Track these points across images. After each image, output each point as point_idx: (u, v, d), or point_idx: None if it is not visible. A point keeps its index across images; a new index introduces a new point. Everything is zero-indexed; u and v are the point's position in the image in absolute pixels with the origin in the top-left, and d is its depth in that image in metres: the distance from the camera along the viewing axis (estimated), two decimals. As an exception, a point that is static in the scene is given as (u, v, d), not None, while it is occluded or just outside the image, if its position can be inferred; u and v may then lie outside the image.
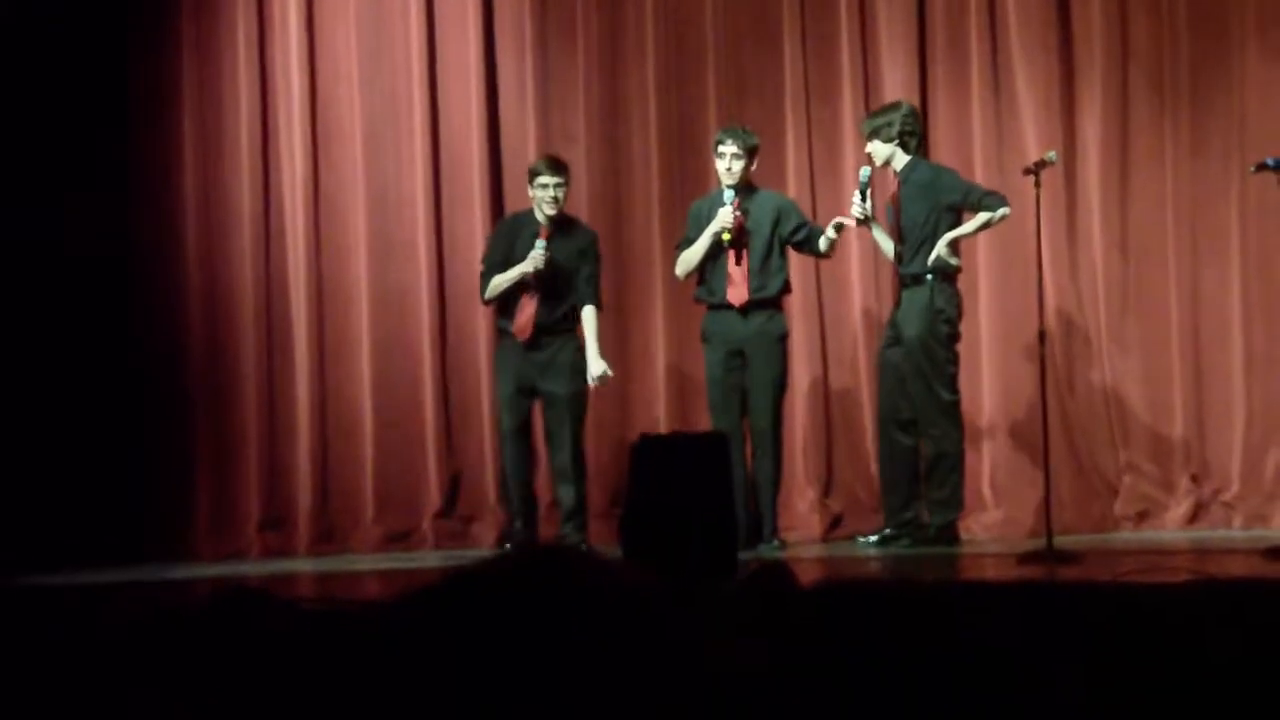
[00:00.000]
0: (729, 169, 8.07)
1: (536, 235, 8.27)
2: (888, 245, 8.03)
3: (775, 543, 8.04)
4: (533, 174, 8.37)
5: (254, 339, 9.36)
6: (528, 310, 8.29)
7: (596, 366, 8.24)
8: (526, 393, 8.35)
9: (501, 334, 8.49)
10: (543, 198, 8.27)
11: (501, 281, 8.32)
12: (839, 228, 8.00)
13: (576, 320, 8.36)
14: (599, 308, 8.38)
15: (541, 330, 8.28)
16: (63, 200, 9.24)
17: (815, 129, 9.12)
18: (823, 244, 8.06)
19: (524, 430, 8.45)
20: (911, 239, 7.86)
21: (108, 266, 9.32)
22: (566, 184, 8.33)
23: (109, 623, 4.99)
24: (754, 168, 8.17)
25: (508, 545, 8.52)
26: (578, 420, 8.32)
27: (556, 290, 8.28)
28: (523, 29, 9.32)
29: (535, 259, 8.21)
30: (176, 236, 9.42)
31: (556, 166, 8.33)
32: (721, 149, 8.09)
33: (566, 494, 8.32)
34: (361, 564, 8.50)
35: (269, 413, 9.37)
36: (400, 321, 9.34)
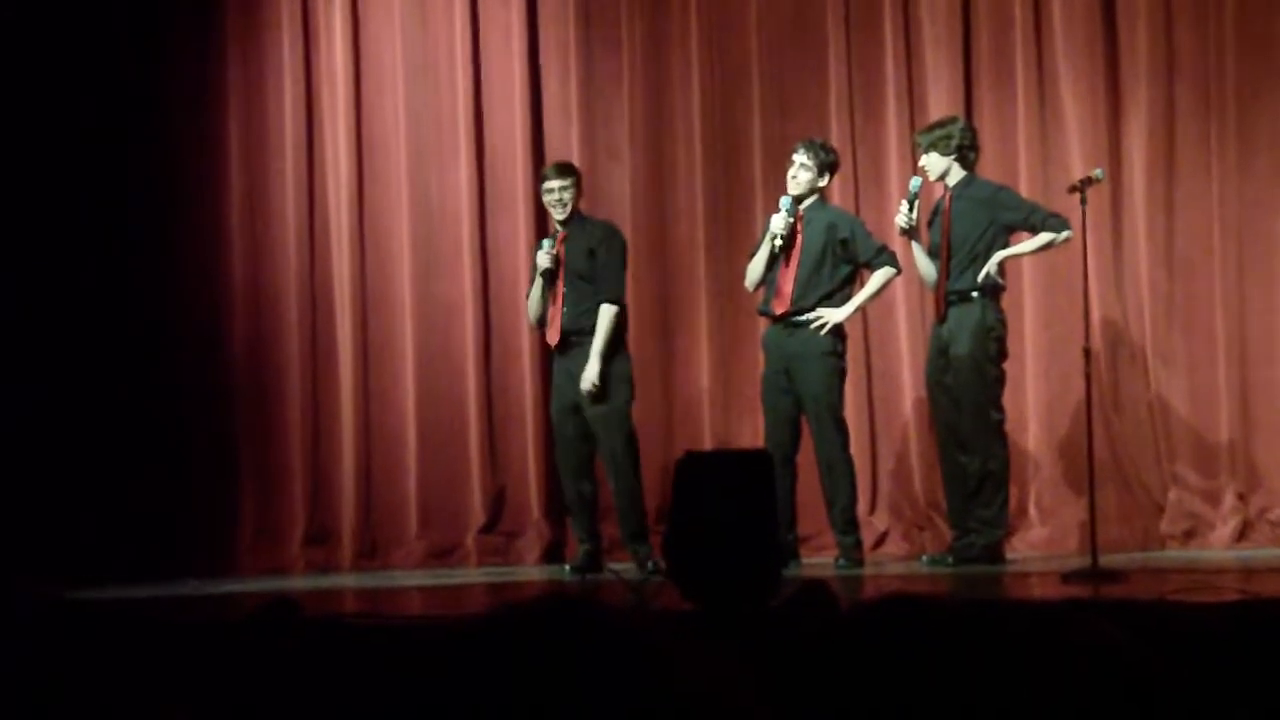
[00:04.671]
0: (794, 177, 8.07)
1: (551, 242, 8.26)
2: (924, 261, 7.99)
3: (841, 562, 8.00)
4: (541, 180, 8.38)
5: (298, 352, 9.40)
6: (555, 315, 8.25)
7: (590, 370, 8.09)
8: (570, 410, 8.26)
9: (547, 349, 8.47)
10: (549, 202, 8.27)
11: (532, 298, 8.34)
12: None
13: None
14: (616, 304, 8.16)
15: (568, 333, 8.21)
16: (105, 209, 9.31)
17: (859, 143, 9.10)
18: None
19: (576, 452, 8.32)
20: (960, 255, 7.81)
21: (150, 278, 9.38)
22: (574, 186, 8.24)
23: (153, 637, 5.00)
24: (825, 183, 8.15)
25: (567, 568, 8.44)
26: (622, 435, 8.18)
27: (578, 291, 8.20)
28: (567, 42, 9.34)
29: (541, 261, 8.20)
30: (220, 247, 9.47)
31: (561, 170, 8.31)
32: (793, 157, 8.10)
33: (622, 516, 8.22)
34: (405, 580, 8.50)
35: (313, 427, 9.40)
36: (444, 334, 9.36)
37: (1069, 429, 8.65)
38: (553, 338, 8.26)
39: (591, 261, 8.20)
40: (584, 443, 8.28)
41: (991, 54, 8.94)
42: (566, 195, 8.23)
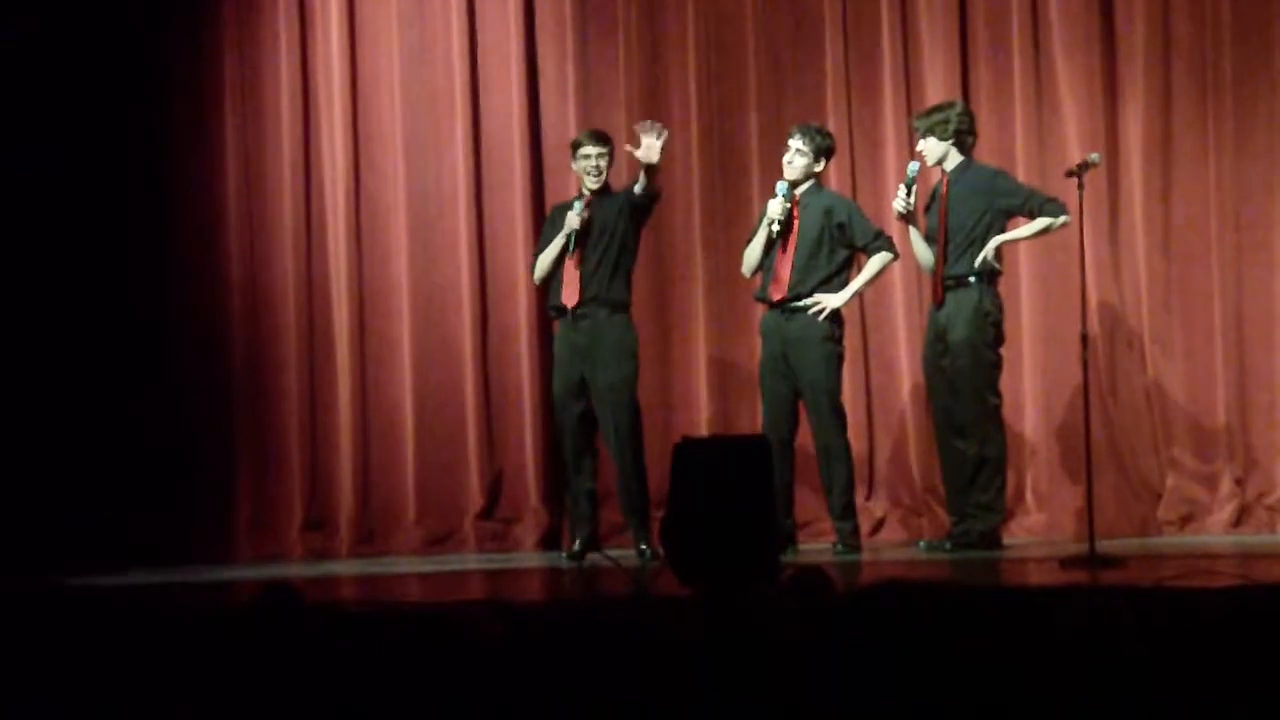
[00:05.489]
0: (789, 162, 8.08)
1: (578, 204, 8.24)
2: (921, 246, 7.99)
3: (839, 548, 8.01)
4: (575, 146, 8.35)
5: (295, 340, 9.41)
6: (573, 277, 8.22)
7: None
8: (575, 388, 8.24)
9: (552, 316, 8.43)
10: (585, 168, 8.24)
11: (546, 255, 8.28)
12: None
13: (623, 299, 8.26)
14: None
15: (587, 299, 8.18)
16: (102, 197, 9.31)
17: (856, 128, 9.08)
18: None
19: (578, 433, 8.29)
20: (958, 240, 7.82)
21: (149, 266, 9.38)
22: (610, 154, 8.28)
23: (153, 624, 5.01)
24: (821, 167, 8.15)
25: (564, 555, 8.44)
26: (627, 410, 8.17)
27: (601, 257, 8.20)
28: (564, 27, 9.33)
29: (571, 221, 8.18)
30: (218, 237, 9.48)
31: (598, 137, 8.31)
32: (789, 142, 8.10)
33: (623, 491, 8.22)
34: (403, 566, 8.51)
35: (310, 414, 9.41)
36: (441, 321, 9.36)
37: (1066, 414, 8.66)
38: (570, 298, 8.21)
39: (619, 231, 8.20)
40: (586, 424, 8.27)
41: (988, 38, 8.93)
42: (603, 163, 8.25)
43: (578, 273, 8.20)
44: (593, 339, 8.19)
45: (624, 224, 8.23)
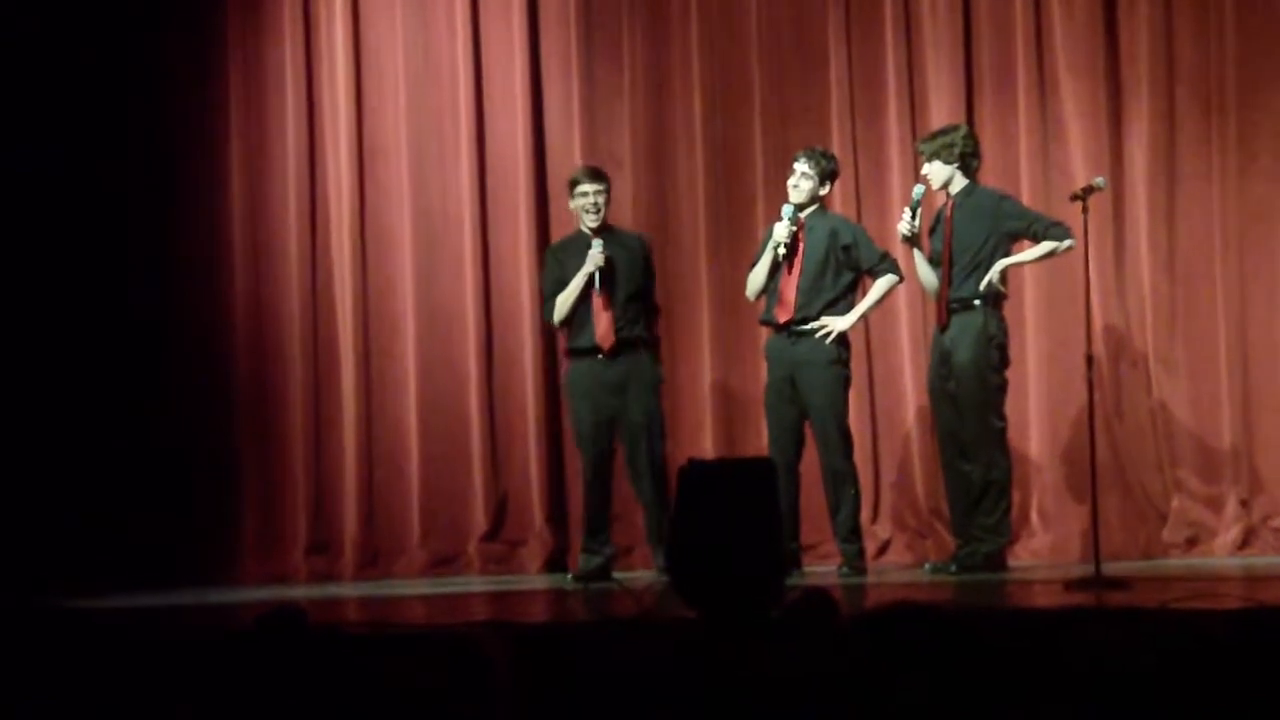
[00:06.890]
0: (795, 185, 8.08)
1: (589, 246, 8.21)
2: (926, 269, 7.99)
3: (845, 570, 8.01)
4: (572, 184, 8.35)
5: (300, 361, 9.40)
6: (604, 320, 8.22)
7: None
8: (606, 424, 8.24)
9: (574, 355, 8.37)
10: (583, 205, 8.25)
11: (568, 295, 8.24)
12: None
13: (653, 335, 8.34)
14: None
15: (622, 339, 8.20)
16: (105, 217, 9.31)
17: (861, 151, 9.10)
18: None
19: (606, 462, 8.30)
20: (963, 263, 7.82)
21: (152, 286, 9.38)
22: (607, 192, 8.29)
23: (157, 646, 5.01)
24: (826, 191, 8.15)
25: (569, 576, 8.43)
26: (660, 440, 8.24)
27: (623, 298, 8.22)
28: (569, 51, 9.35)
29: (594, 258, 8.16)
30: (222, 256, 9.47)
31: (595, 174, 8.32)
32: (794, 166, 8.11)
33: (651, 517, 8.21)
34: (407, 588, 8.51)
35: (315, 436, 9.40)
36: (446, 343, 9.36)
37: (1071, 436, 8.65)
38: (605, 339, 8.21)
39: (636, 272, 8.25)
40: (613, 455, 8.30)
41: (992, 61, 8.94)
42: (601, 200, 8.24)
43: (608, 313, 8.20)
44: (628, 375, 8.21)
45: (640, 264, 8.27)
